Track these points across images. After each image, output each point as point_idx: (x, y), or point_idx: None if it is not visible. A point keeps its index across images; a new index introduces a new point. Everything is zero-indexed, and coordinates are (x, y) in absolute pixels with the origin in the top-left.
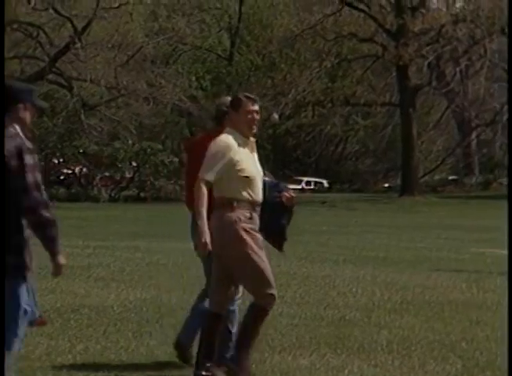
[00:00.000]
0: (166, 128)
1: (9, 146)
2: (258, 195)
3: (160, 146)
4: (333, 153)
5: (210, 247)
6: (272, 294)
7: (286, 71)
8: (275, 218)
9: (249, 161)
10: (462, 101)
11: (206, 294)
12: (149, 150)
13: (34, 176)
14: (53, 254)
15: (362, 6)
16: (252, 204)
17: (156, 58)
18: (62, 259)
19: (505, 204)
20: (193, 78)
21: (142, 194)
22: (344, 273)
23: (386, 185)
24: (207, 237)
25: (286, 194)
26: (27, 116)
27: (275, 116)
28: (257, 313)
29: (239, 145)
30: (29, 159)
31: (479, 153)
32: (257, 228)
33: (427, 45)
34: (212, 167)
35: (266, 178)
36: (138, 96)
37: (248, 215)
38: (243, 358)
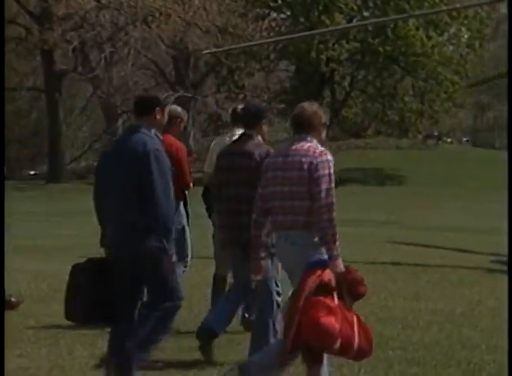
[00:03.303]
0: None
1: (260, 151)
2: None
3: None
4: None
5: None
6: None
7: None
8: None
9: None
10: (107, 87)
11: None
12: None
13: None
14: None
15: None
16: None
17: None
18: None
19: None
20: None
21: None
22: None
23: (32, 172)
24: None
25: None
26: (265, 130)
27: None
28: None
29: None
30: None
31: None
32: None
33: (72, 30)
34: None
35: None
36: None
37: None
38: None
